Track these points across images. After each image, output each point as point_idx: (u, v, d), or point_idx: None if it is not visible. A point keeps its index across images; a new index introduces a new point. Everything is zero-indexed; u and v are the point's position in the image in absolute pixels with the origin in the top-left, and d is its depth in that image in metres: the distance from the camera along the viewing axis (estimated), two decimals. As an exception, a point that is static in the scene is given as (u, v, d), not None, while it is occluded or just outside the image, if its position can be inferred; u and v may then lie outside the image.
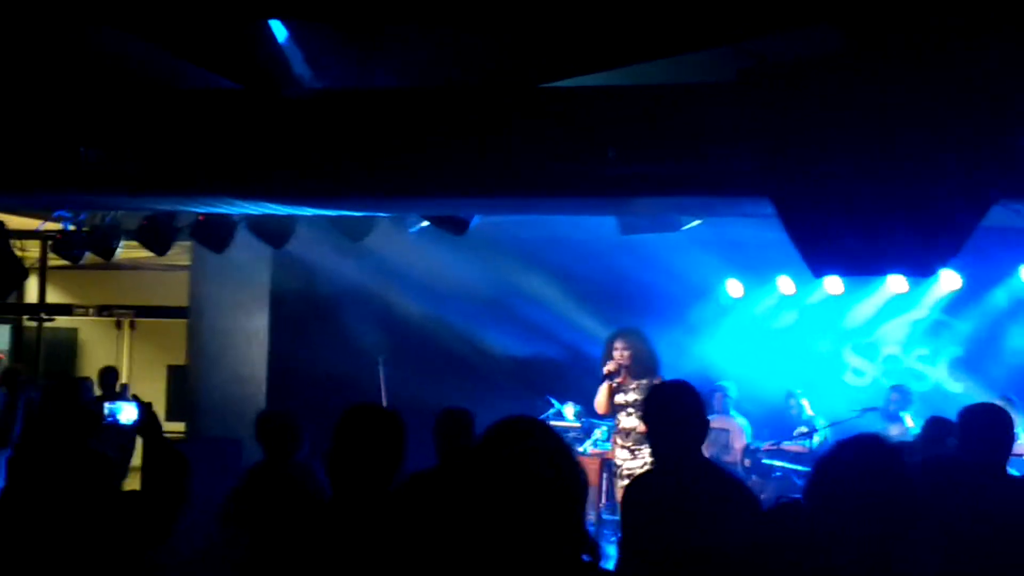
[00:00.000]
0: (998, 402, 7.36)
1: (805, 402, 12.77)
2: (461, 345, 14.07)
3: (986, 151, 6.06)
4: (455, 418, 7.00)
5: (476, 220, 10.82)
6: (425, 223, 11.45)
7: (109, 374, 14.50)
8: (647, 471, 5.70)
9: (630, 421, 10.09)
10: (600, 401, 10.29)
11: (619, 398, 10.17)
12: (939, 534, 4.20)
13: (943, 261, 6.61)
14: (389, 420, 4.57)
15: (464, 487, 2.96)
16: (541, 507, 2.89)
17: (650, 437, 5.27)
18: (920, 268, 7.03)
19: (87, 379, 13.79)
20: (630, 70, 7.61)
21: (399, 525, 4.28)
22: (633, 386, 10.10)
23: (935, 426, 7.38)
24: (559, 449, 3.02)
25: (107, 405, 5.19)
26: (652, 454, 5.78)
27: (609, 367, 10.16)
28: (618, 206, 9.40)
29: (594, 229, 12.41)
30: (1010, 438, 6.20)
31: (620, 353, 10.13)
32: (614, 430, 10.71)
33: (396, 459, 4.49)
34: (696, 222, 10.74)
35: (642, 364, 10.04)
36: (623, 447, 10.14)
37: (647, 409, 5.27)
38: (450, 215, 10.57)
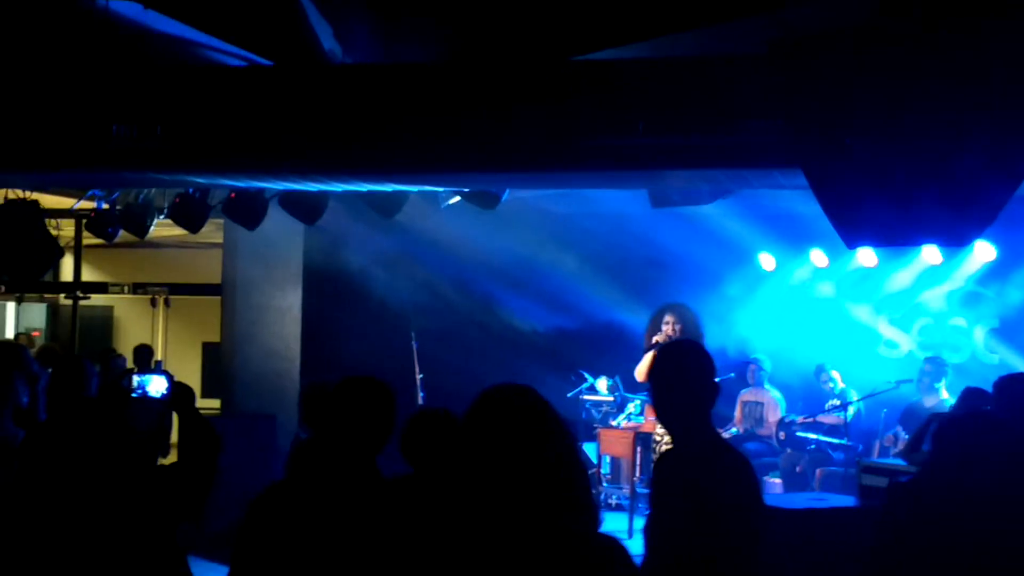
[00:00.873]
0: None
1: (836, 375, 12.71)
2: (494, 319, 14.09)
3: (1020, 120, 6.01)
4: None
5: (507, 194, 10.81)
6: (457, 198, 11.45)
7: (143, 351, 14.59)
8: (665, 451, 5.34)
9: None
10: (642, 369, 10.27)
11: None
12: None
13: (977, 231, 6.56)
14: (379, 390, 4.55)
15: (453, 457, 2.93)
16: (527, 474, 2.86)
17: (654, 401, 4.74)
18: (954, 238, 6.99)
19: (121, 356, 13.90)
20: (660, 42, 7.58)
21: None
22: None
23: (971, 397, 7.32)
24: (544, 415, 2.98)
25: (136, 378, 5.18)
26: (660, 422, 5.39)
27: (658, 338, 10.16)
28: (649, 179, 9.37)
29: (626, 202, 12.38)
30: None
31: (671, 327, 10.17)
32: (648, 403, 10.68)
33: (387, 428, 4.50)
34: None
35: (691, 339, 10.01)
36: None
37: (652, 369, 4.72)
38: (481, 189, 10.58)
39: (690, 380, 4.57)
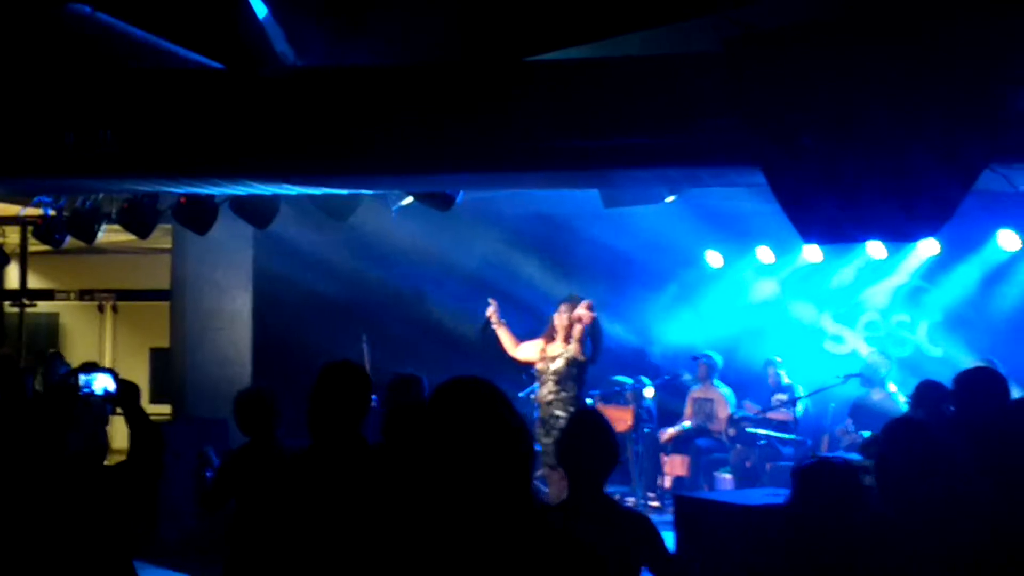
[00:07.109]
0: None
1: (782, 372, 12.84)
2: (445, 321, 14.09)
3: (975, 115, 6.09)
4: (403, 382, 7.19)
5: (462, 196, 10.80)
6: (407, 201, 11.42)
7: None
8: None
9: (546, 392, 10.04)
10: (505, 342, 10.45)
11: (541, 365, 10.16)
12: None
13: (932, 228, 6.65)
14: (357, 374, 5.07)
15: (411, 449, 2.99)
16: (483, 467, 2.90)
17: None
18: (907, 235, 7.07)
19: (60, 357, 13.72)
20: (615, 41, 7.61)
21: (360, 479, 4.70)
22: (558, 353, 10.04)
23: (929, 390, 7.33)
24: (503, 409, 3.03)
25: (81, 376, 5.17)
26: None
27: (489, 311, 10.38)
28: (604, 179, 9.37)
29: (577, 203, 12.41)
30: (1008, 400, 6.22)
31: (558, 316, 10.16)
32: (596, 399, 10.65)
33: (363, 409, 4.99)
34: (671, 198, 10.72)
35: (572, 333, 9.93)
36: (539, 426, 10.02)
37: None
38: (435, 191, 10.56)
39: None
